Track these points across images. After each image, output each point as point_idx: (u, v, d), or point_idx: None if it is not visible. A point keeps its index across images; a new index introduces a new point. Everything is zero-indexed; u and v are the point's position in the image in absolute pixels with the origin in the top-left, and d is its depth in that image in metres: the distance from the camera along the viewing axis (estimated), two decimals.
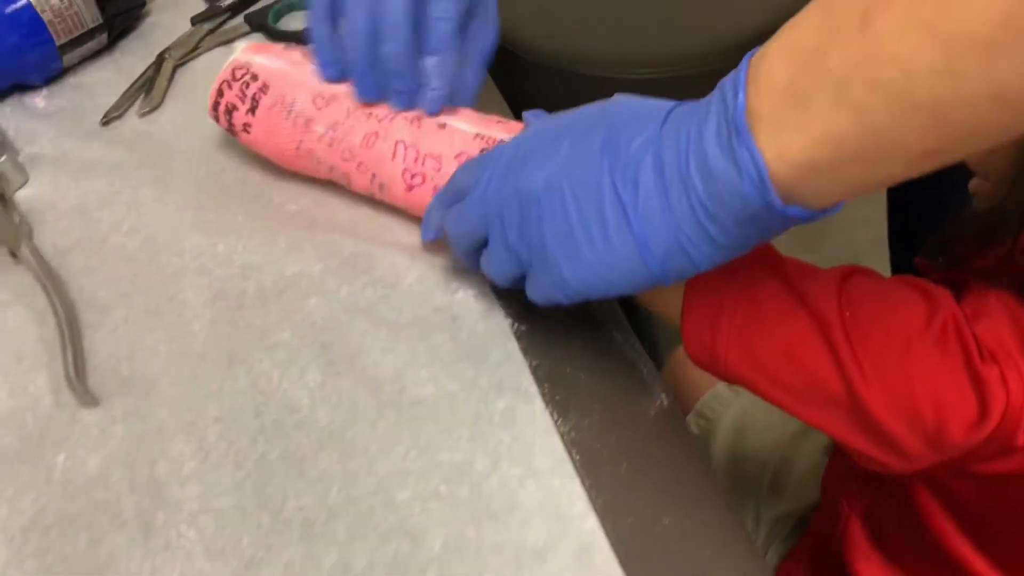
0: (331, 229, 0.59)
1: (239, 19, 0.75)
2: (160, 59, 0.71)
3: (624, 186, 0.43)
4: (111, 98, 0.68)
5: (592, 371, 0.54)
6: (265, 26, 0.73)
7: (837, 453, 0.69)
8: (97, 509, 0.48)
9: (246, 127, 0.59)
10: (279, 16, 0.74)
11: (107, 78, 0.71)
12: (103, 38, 0.71)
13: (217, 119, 0.60)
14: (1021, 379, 0.45)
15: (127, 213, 0.61)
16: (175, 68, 0.71)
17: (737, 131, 0.38)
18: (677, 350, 0.92)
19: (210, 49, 0.73)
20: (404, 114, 0.56)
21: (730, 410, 0.84)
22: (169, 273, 0.58)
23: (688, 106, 0.43)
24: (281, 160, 0.60)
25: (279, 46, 0.61)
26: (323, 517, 0.47)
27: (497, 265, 0.50)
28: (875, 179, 0.38)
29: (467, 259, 0.52)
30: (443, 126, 0.56)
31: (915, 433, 0.47)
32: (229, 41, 0.73)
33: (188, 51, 0.72)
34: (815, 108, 0.36)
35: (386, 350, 0.53)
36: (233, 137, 0.61)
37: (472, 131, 0.55)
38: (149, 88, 0.69)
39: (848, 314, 0.48)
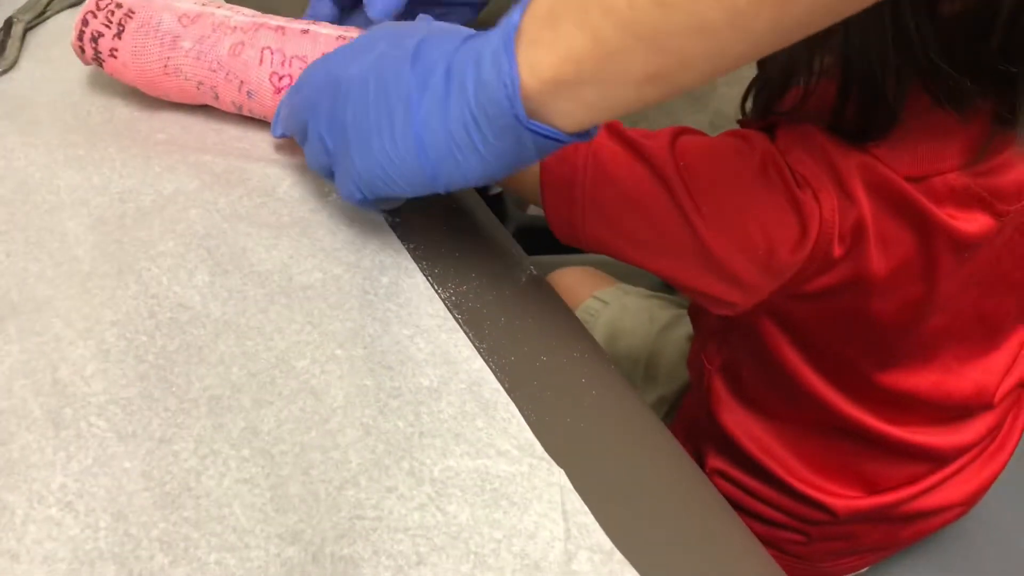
0: (202, 151, 0.62)
1: None
2: (8, 22, 0.72)
3: (417, 88, 0.46)
4: None
5: (464, 250, 0.59)
6: None
7: (696, 323, 0.75)
8: (2, 416, 0.49)
9: (112, 52, 0.61)
10: None
11: None
12: None
13: (83, 49, 0.62)
14: (830, 198, 0.52)
15: None
16: (25, 31, 0.72)
17: (505, 45, 0.42)
18: (551, 274, 0.97)
19: (58, 12, 0.74)
20: (268, 23, 0.60)
21: (600, 319, 0.90)
22: (46, 209, 0.59)
23: (489, 31, 0.47)
24: (148, 83, 0.62)
25: None
26: (228, 392, 0.50)
27: (312, 154, 0.53)
28: (611, 103, 0.42)
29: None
30: (306, 31, 0.60)
31: (752, 262, 0.53)
32: (75, 4, 0.75)
33: (36, 15, 0.73)
34: (563, 29, 0.40)
35: (270, 247, 0.56)
36: (99, 67, 0.63)
37: (335, 34, 0.59)
38: (1, 50, 0.70)
39: (683, 163, 0.54)
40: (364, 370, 0.50)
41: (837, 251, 0.52)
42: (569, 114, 0.43)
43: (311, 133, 0.52)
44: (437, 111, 0.45)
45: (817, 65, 0.51)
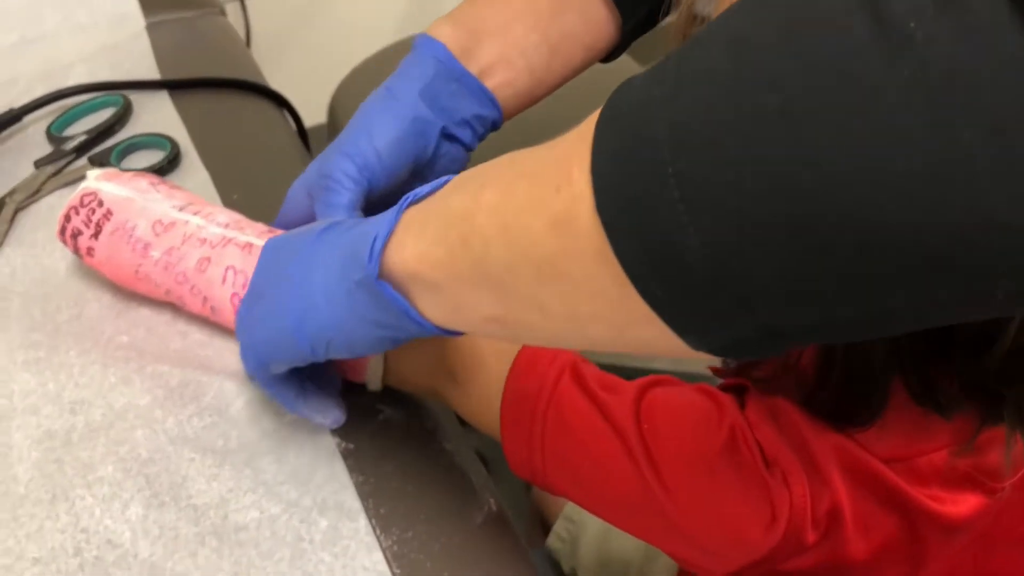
0: (161, 360, 0.60)
1: (83, 160, 0.76)
2: (0, 203, 0.72)
3: (308, 257, 0.47)
4: None
5: (419, 482, 0.56)
6: (107, 165, 0.74)
7: None
8: None
9: (89, 251, 0.62)
10: (122, 156, 0.76)
11: None
12: None
13: (65, 242, 0.63)
14: (800, 483, 0.48)
15: None
16: (16, 211, 0.72)
17: (395, 212, 0.43)
18: None
19: (53, 191, 0.74)
20: (236, 240, 0.58)
21: None
22: (2, 415, 0.58)
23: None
24: (122, 282, 0.62)
25: (129, 174, 0.63)
26: None
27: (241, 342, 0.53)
28: (465, 320, 0.41)
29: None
30: None
31: (721, 538, 0.49)
32: (72, 182, 0.75)
33: (31, 194, 0.73)
34: (429, 231, 0.40)
35: (211, 477, 0.54)
36: (80, 259, 0.63)
37: None
38: None
39: (647, 426, 0.50)
40: None
41: (811, 537, 0.48)
42: (431, 307, 0.42)
43: (237, 314, 0.53)
44: (315, 273, 0.46)
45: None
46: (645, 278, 0.30)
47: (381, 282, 0.42)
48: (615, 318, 0.33)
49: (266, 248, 0.51)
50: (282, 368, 0.50)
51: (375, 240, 0.42)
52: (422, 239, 0.40)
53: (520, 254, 0.35)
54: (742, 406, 0.50)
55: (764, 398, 0.50)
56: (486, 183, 0.38)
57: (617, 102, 0.31)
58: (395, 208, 0.43)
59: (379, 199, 0.58)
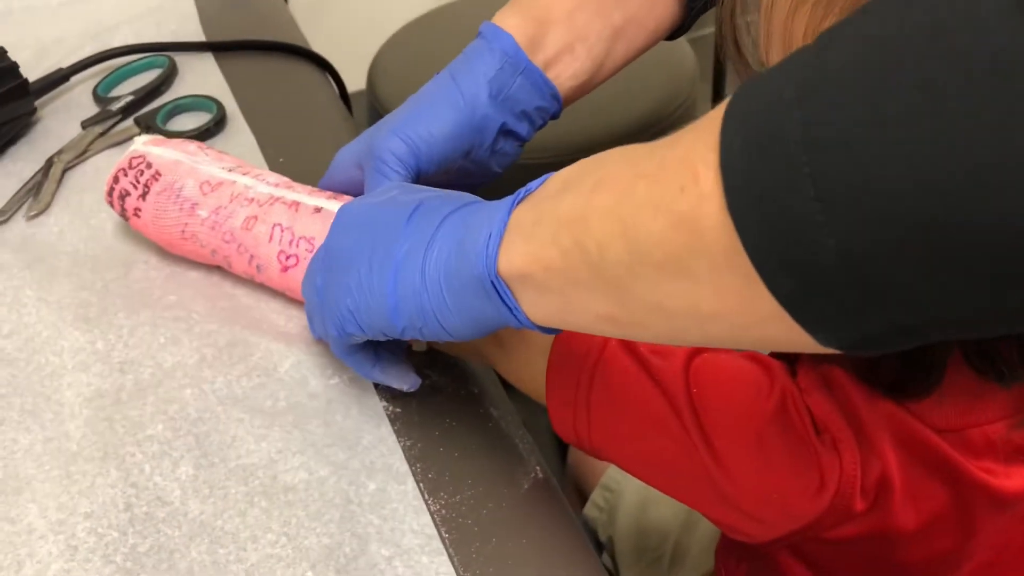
0: (209, 320, 0.60)
1: (129, 121, 0.76)
2: (49, 163, 0.73)
3: (405, 236, 0.46)
4: None
5: (467, 448, 0.56)
6: (153, 127, 0.74)
7: None
8: None
9: (136, 212, 0.62)
10: (169, 117, 0.76)
11: None
12: None
13: (112, 204, 0.63)
14: (851, 450, 0.47)
15: (7, 315, 0.62)
16: (64, 171, 0.73)
17: (504, 210, 0.42)
18: None
19: (100, 151, 0.75)
20: (283, 199, 0.58)
21: (632, 482, 0.85)
22: (48, 373, 0.58)
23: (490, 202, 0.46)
24: (167, 243, 0.62)
25: (177, 140, 0.64)
26: None
27: (308, 304, 0.54)
28: (574, 320, 0.41)
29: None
30: (319, 210, 0.58)
31: (766, 504, 0.49)
32: (119, 143, 0.75)
33: (78, 154, 0.74)
34: (540, 233, 0.40)
35: (259, 438, 0.54)
36: (126, 222, 0.63)
37: None
38: (37, 192, 0.71)
39: (696, 391, 0.50)
40: None
41: (859, 505, 0.47)
42: (536, 307, 0.42)
43: (308, 275, 0.53)
44: (417, 256, 0.45)
45: None
46: (777, 276, 0.30)
47: (499, 280, 0.42)
48: (739, 315, 0.33)
49: (345, 213, 0.51)
50: (359, 340, 0.50)
51: (489, 238, 0.42)
52: (533, 240, 0.40)
53: (640, 254, 0.35)
54: (793, 373, 0.50)
55: (816, 366, 0.49)
56: (599, 184, 0.37)
57: (743, 102, 0.31)
58: (505, 204, 0.43)
59: (423, 181, 0.57)
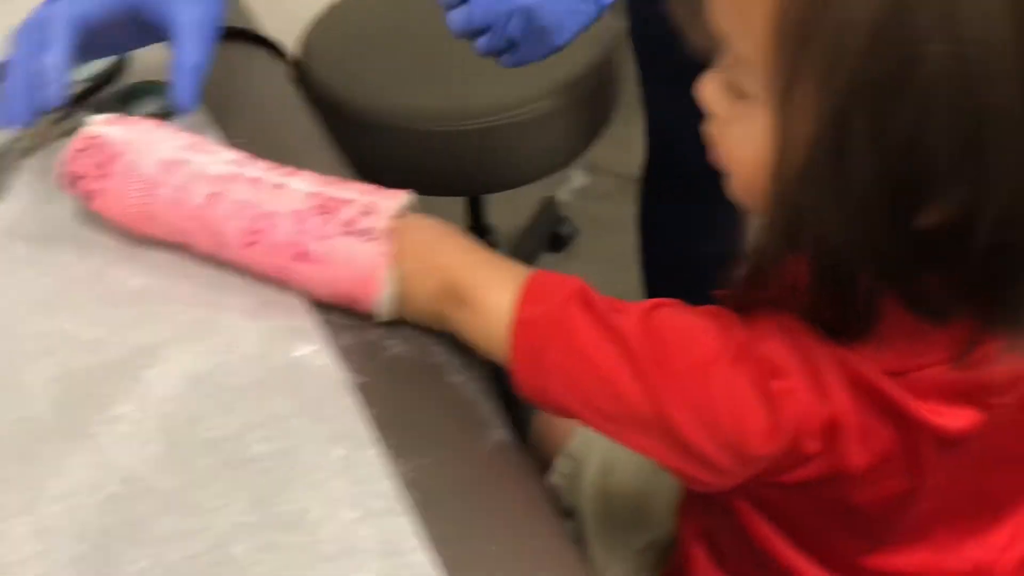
0: (173, 298, 0.61)
1: (84, 108, 0.76)
2: (4, 151, 0.72)
3: None
4: None
5: (430, 414, 0.57)
6: (108, 113, 0.74)
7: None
8: None
9: (94, 194, 0.62)
10: (124, 102, 0.76)
11: None
12: None
13: (69, 186, 0.63)
14: (804, 392, 0.49)
15: None
16: (20, 159, 0.73)
17: None
18: None
19: (57, 138, 0.75)
20: (243, 175, 0.59)
21: (595, 448, 0.87)
22: (11, 358, 0.59)
23: None
24: (129, 223, 0.62)
25: (132, 119, 0.64)
26: None
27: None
28: None
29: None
30: (280, 187, 0.59)
31: (721, 449, 0.51)
32: (75, 129, 0.75)
33: (33, 141, 0.74)
34: None
35: (226, 412, 0.55)
36: (85, 204, 0.63)
37: (306, 190, 0.58)
38: None
39: (653, 342, 0.52)
40: (303, 562, 0.48)
41: (812, 447, 0.49)
42: None
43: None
44: None
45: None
46: None
47: None
48: None
49: None
50: None
51: None
52: None
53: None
54: (747, 322, 0.51)
55: (771, 314, 0.51)
56: None
57: None
58: None
59: None
